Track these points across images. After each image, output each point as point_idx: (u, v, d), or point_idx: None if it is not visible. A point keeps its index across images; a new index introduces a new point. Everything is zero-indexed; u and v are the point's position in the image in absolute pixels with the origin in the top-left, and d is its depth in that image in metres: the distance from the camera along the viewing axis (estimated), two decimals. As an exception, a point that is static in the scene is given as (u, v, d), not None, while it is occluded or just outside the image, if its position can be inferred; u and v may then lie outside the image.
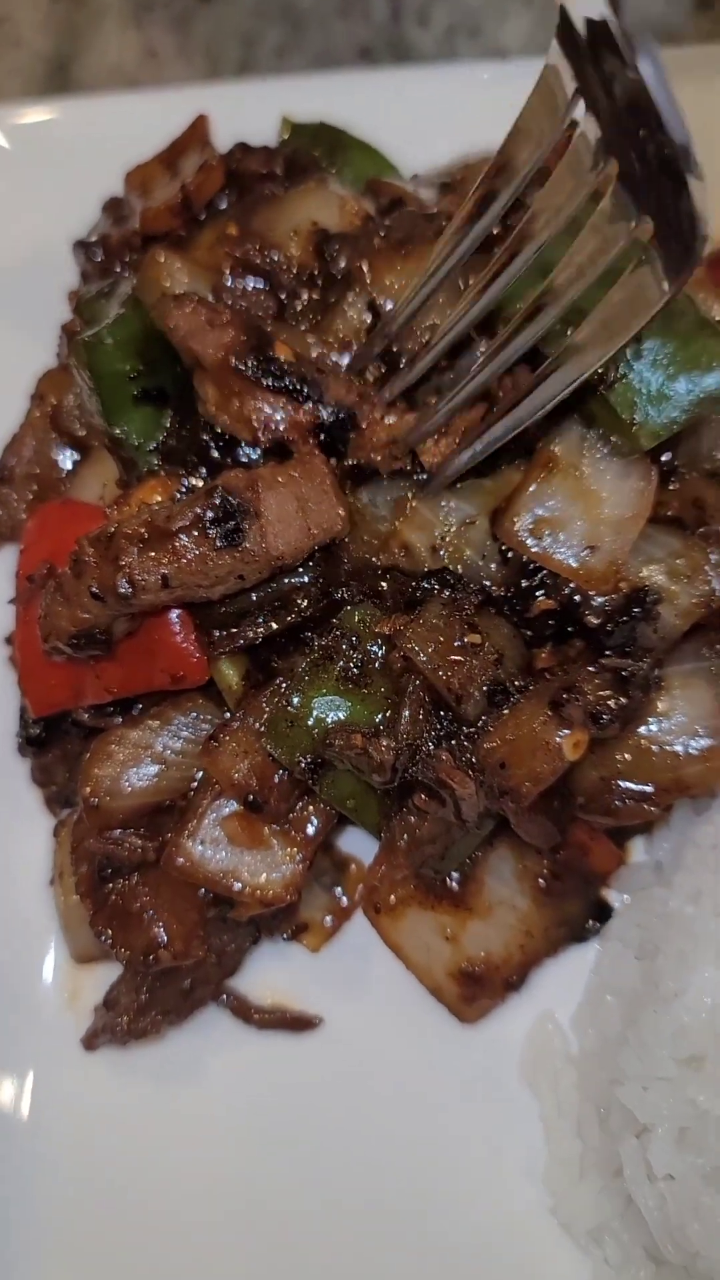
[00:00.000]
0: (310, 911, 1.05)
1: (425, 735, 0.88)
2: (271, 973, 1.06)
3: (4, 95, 1.36)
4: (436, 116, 1.14)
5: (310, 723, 0.88)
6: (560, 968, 1.03)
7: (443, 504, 0.93)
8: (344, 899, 1.07)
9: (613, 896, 1.05)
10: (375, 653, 0.90)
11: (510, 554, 0.91)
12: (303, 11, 1.32)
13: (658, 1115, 0.91)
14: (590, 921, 1.03)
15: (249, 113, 1.15)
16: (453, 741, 0.87)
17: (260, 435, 0.93)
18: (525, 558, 0.91)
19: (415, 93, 1.15)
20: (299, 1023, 1.06)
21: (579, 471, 0.91)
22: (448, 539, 0.92)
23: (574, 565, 0.89)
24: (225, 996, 1.05)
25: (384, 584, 0.94)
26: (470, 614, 0.89)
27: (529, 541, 0.90)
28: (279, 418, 0.92)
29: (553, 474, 0.91)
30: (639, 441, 0.88)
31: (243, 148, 1.18)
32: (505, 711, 0.88)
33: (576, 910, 1.02)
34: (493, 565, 0.92)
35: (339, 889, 1.06)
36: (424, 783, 0.89)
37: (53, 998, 1.06)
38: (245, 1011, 1.05)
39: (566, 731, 0.87)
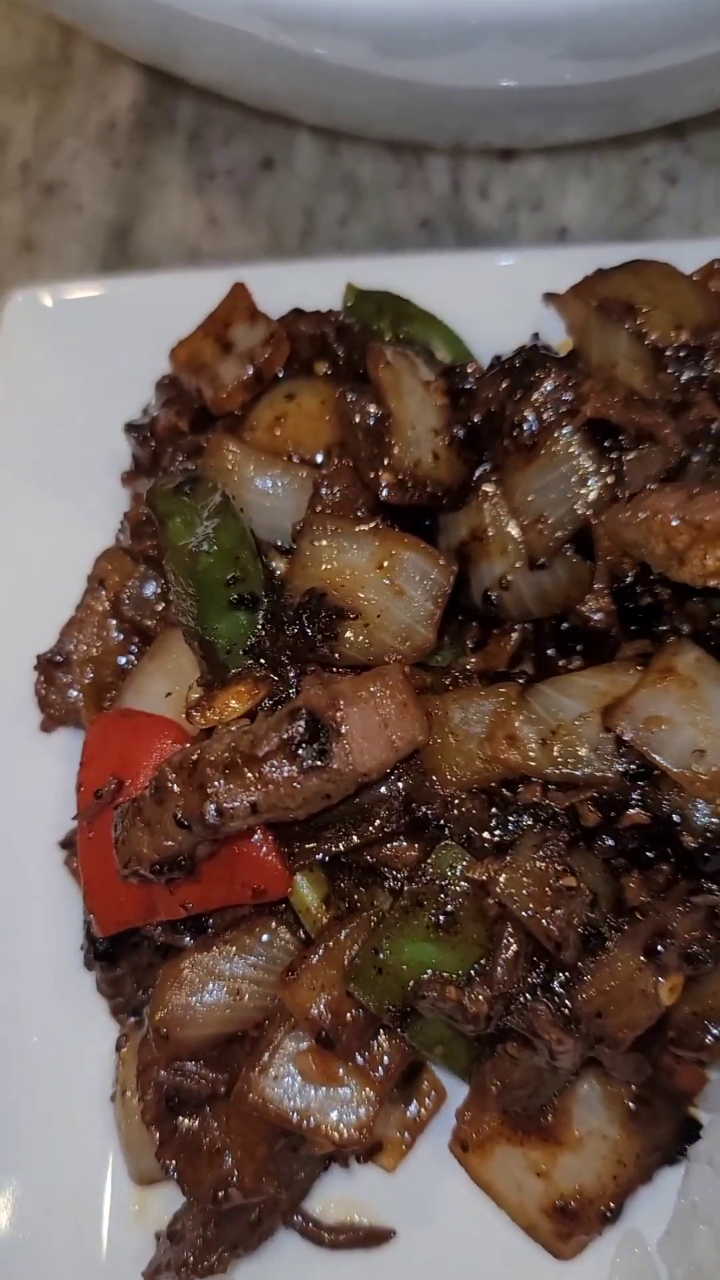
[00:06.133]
0: (384, 1129, 1.01)
1: (520, 984, 0.84)
2: (340, 1188, 1.02)
3: (64, 260, 1.34)
4: (503, 299, 1.11)
5: (400, 972, 0.85)
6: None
7: (554, 701, 0.91)
8: (417, 1111, 1.02)
9: (700, 1114, 1.01)
10: (465, 898, 0.86)
11: (623, 751, 0.87)
12: (363, 182, 1.31)
13: None
14: (681, 1144, 0.99)
15: (303, 289, 1.14)
16: (549, 991, 0.83)
17: None
18: (632, 750, 0.86)
19: (480, 274, 1.12)
20: (372, 1238, 1.01)
21: (694, 682, 0.88)
22: (559, 732, 0.89)
23: (675, 768, 0.85)
24: (295, 1219, 1.01)
25: (471, 809, 0.90)
26: (563, 852, 0.86)
27: (637, 733, 0.86)
28: None
29: (668, 680, 0.88)
30: None
31: (296, 313, 1.16)
32: (600, 956, 0.84)
33: (667, 1133, 0.97)
34: (603, 763, 0.88)
35: (412, 1103, 1.02)
36: (517, 1030, 0.85)
37: (117, 1210, 1.02)
38: (316, 1234, 1.01)
39: (661, 979, 0.84)
